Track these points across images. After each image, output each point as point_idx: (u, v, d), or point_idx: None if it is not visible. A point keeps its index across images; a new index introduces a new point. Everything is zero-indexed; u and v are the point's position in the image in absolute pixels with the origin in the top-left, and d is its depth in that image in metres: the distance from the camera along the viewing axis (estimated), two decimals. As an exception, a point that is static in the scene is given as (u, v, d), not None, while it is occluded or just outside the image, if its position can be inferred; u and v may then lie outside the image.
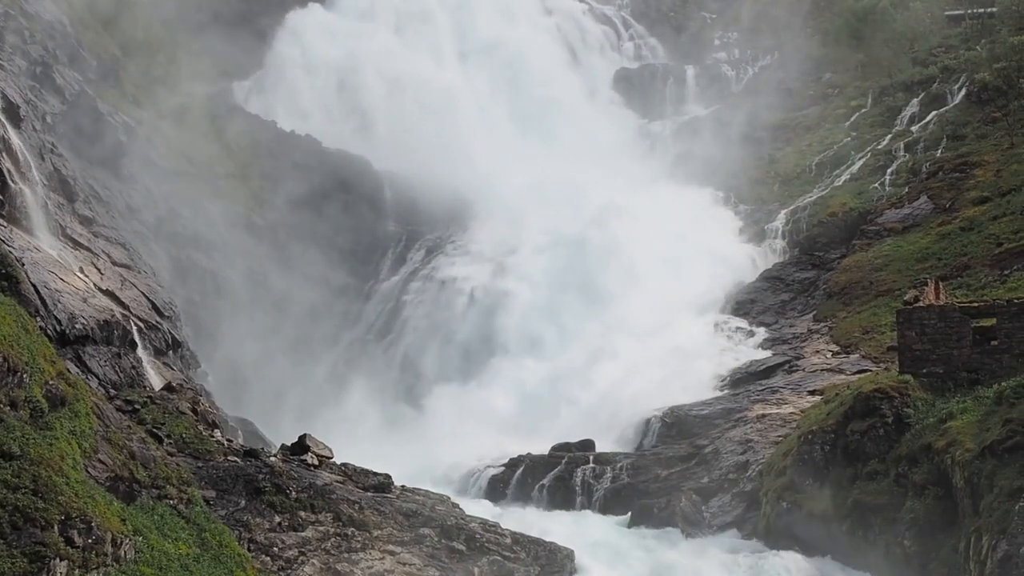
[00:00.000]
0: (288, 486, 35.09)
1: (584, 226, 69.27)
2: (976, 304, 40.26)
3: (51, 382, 28.36)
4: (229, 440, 39.63)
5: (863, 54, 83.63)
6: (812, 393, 48.36)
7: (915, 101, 75.38)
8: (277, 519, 33.93)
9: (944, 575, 33.91)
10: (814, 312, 58.58)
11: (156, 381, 43.26)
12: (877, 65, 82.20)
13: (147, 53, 68.99)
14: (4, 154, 43.65)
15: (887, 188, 66.04)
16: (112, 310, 43.39)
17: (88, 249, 47.08)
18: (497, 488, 48.42)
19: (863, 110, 78.54)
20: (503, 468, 49.40)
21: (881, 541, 36.84)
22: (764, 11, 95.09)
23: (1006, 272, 51.69)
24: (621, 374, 56.70)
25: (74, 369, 37.16)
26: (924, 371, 39.47)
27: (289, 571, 32.61)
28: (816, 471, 40.35)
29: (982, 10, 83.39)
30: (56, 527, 24.39)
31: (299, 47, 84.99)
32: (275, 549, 32.98)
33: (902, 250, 59.06)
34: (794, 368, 52.69)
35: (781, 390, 50.53)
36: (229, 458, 36.42)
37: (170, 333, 47.55)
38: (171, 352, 47.43)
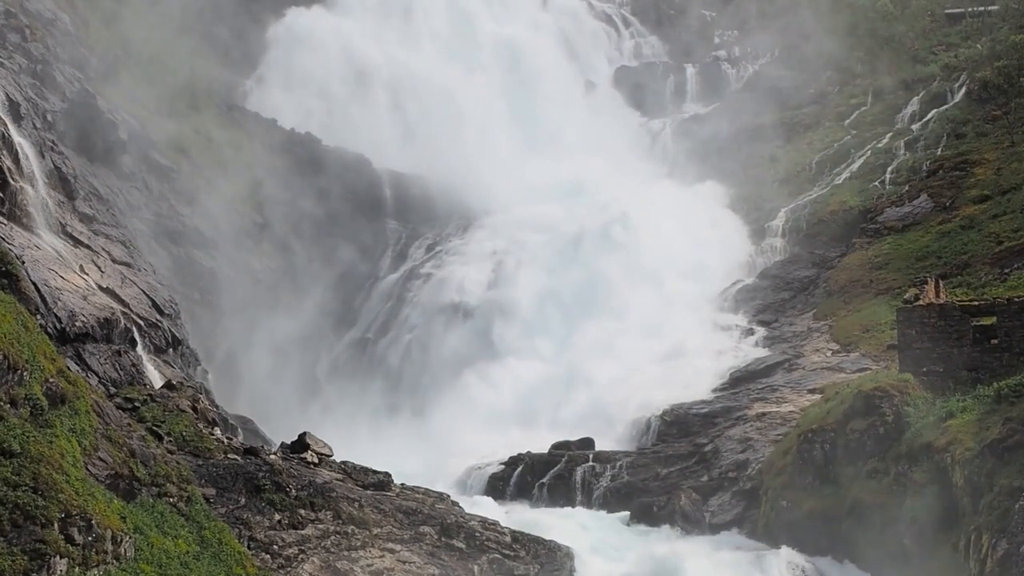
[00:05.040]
0: (288, 484, 35.08)
1: (584, 224, 69.23)
2: (976, 302, 40.30)
3: (51, 380, 28.35)
4: (229, 438, 39.60)
5: (863, 52, 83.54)
6: (812, 392, 48.37)
7: (915, 99, 75.33)
8: (277, 517, 33.92)
9: (944, 574, 33.94)
10: (814, 310, 58.58)
11: (156, 379, 43.23)
12: (877, 63, 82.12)
13: (148, 52, 68.90)
14: (4, 152, 43.60)
15: (887, 186, 66.05)
16: (112, 308, 43.37)
17: (88, 247, 47.03)
18: (497, 486, 48.50)
19: (863, 108, 78.47)
20: (503, 466, 49.47)
21: (881, 540, 36.87)
22: (764, 9, 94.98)
23: (1006, 270, 51.71)
24: (621, 372, 56.72)
25: (74, 367, 37.14)
26: (924, 370, 39.51)
27: (289, 569, 32.61)
28: (816, 470, 40.40)
29: (982, 8, 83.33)
30: (56, 525, 24.39)
31: (300, 46, 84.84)
32: (275, 547, 32.98)
33: (902, 248, 59.07)
34: (794, 366, 52.70)
35: (781, 388, 50.56)
36: (229, 456, 36.40)
37: (170, 331, 47.52)
38: (171, 350, 47.40)
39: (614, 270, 65.77)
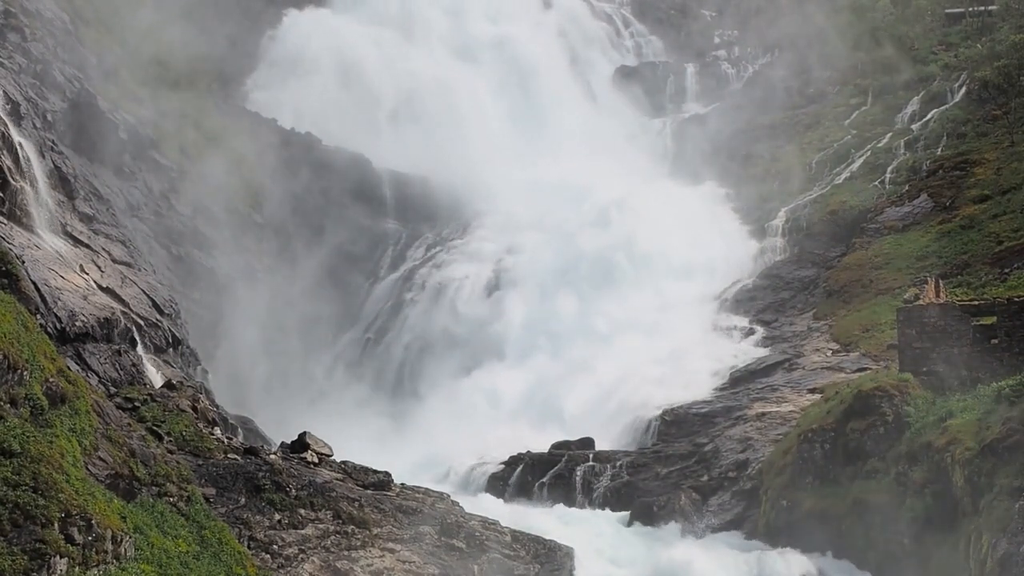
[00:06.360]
0: (288, 484, 35.09)
1: (584, 224, 69.21)
2: (976, 302, 40.26)
3: (51, 379, 28.34)
4: (229, 438, 39.63)
5: (863, 52, 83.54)
6: (812, 391, 48.39)
7: (915, 99, 75.33)
8: (277, 517, 33.93)
9: (944, 573, 33.92)
10: (814, 310, 58.60)
11: (156, 379, 43.26)
12: (877, 63, 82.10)
13: (148, 52, 68.88)
14: (4, 152, 43.60)
15: (887, 186, 66.04)
16: (112, 308, 43.38)
17: (88, 247, 47.04)
18: (497, 486, 48.51)
19: (863, 108, 78.46)
20: (503, 466, 49.45)
21: (881, 539, 36.87)
22: (764, 9, 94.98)
23: (1006, 270, 51.70)
24: (621, 372, 56.66)
25: (74, 367, 37.15)
26: (924, 369, 39.47)
27: (289, 569, 32.61)
28: (816, 469, 40.38)
29: (982, 8, 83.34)
30: (56, 524, 24.39)
31: (300, 46, 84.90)
32: (275, 547, 32.99)
33: (902, 248, 59.07)
34: (794, 366, 52.70)
35: (781, 388, 50.56)
36: (229, 456, 36.43)
37: (170, 331, 47.54)
38: (171, 350, 47.42)
39: (613, 270, 65.77)
